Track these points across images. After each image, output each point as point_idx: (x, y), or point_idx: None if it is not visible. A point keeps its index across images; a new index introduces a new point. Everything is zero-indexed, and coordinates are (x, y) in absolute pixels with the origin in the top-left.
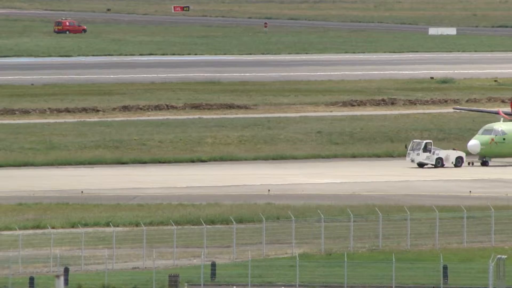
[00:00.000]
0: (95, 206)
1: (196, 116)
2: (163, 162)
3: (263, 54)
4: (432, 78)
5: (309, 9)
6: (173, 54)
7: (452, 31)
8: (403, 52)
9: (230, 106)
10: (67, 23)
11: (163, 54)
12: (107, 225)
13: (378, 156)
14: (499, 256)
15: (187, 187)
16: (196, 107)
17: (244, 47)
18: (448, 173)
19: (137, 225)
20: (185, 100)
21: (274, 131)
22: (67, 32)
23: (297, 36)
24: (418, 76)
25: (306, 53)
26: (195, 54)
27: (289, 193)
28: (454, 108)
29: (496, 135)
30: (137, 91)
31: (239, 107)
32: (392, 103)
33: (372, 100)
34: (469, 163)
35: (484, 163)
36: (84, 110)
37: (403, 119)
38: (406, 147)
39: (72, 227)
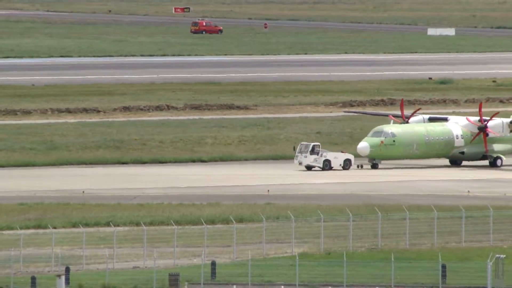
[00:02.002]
0: (96, 206)
1: (197, 117)
2: (164, 162)
3: (263, 54)
4: (431, 78)
5: (308, 9)
6: (174, 55)
7: (451, 31)
8: (402, 52)
9: (230, 107)
10: (204, 24)
11: (164, 55)
12: (108, 224)
13: None
14: (497, 255)
15: (188, 187)
16: (196, 107)
17: (244, 47)
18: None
19: (138, 224)
20: (185, 100)
21: (274, 131)
22: (203, 32)
23: (297, 36)
24: (417, 76)
25: (306, 54)
26: (195, 55)
27: (289, 193)
28: (344, 112)
29: (385, 138)
30: (137, 92)
31: (239, 107)
32: (391, 104)
33: (371, 100)
34: (358, 166)
35: (374, 166)
36: (85, 110)
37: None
38: (294, 149)
39: (73, 226)
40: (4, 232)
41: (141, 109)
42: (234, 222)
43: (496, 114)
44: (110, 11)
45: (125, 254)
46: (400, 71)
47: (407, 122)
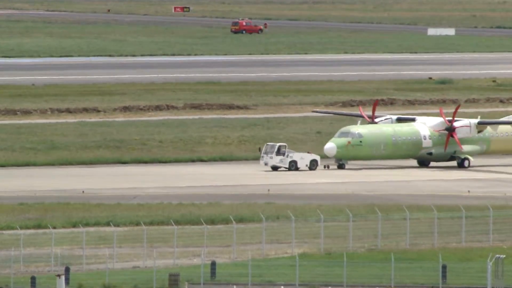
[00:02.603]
0: (96, 205)
1: (196, 116)
2: (164, 162)
3: (263, 54)
4: (431, 78)
5: (308, 9)
6: (173, 55)
7: (451, 31)
8: (402, 52)
9: (230, 106)
10: (244, 23)
11: (164, 55)
12: (108, 224)
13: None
14: (497, 255)
15: (187, 187)
16: (196, 107)
17: (244, 47)
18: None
19: (138, 224)
20: (185, 100)
21: (274, 131)
22: (244, 32)
23: (297, 36)
24: (417, 76)
25: (306, 54)
26: (195, 55)
27: (289, 193)
28: (313, 111)
29: (352, 138)
30: (137, 92)
31: (239, 107)
32: (391, 104)
33: (371, 100)
34: (325, 166)
35: (341, 166)
36: (85, 110)
37: None
38: (259, 150)
39: (73, 226)
40: (4, 232)
41: (141, 109)
42: (234, 222)
43: (458, 107)
44: (109, 10)
45: (125, 254)
46: (400, 71)
47: (374, 123)
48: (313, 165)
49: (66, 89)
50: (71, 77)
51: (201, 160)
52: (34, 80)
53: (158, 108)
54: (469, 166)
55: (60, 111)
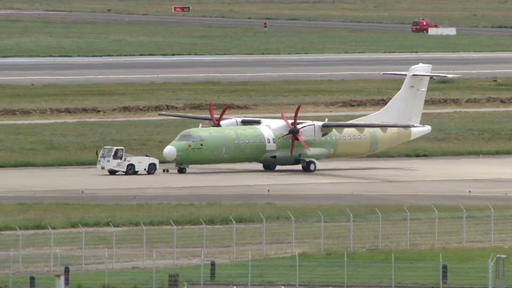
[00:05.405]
0: (95, 206)
1: None
2: (163, 162)
3: (263, 54)
4: (432, 78)
5: (309, 9)
6: (173, 55)
7: (451, 31)
8: (402, 52)
9: (230, 106)
10: (424, 23)
11: (163, 55)
12: (107, 225)
13: (377, 156)
14: (498, 255)
15: (187, 187)
16: (196, 107)
17: (244, 47)
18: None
19: (137, 225)
20: (185, 100)
21: None
22: (424, 31)
23: (297, 36)
24: None
25: (306, 53)
26: (195, 54)
27: (289, 193)
28: (159, 114)
29: (193, 141)
30: (137, 92)
31: (239, 107)
32: None
33: (371, 100)
34: (164, 170)
35: (181, 170)
36: (84, 110)
37: None
38: (96, 153)
39: (73, 226)
40: (3, 232)
41: (141, 109)
42: (234, 222)
43: (299, 108)
44: (109, 10)
45: (125, 254)
46: (400, 70)
47: (219, 125)
48: (151, 169)
49: (66, 89)
50: (71, 77)
51: None
52: (33, 80)
53: (158, 108)
54: (315, 169)
55: (59, 111)
